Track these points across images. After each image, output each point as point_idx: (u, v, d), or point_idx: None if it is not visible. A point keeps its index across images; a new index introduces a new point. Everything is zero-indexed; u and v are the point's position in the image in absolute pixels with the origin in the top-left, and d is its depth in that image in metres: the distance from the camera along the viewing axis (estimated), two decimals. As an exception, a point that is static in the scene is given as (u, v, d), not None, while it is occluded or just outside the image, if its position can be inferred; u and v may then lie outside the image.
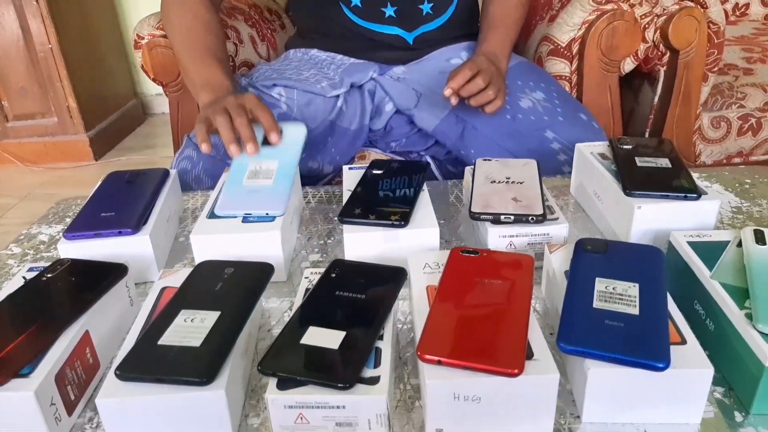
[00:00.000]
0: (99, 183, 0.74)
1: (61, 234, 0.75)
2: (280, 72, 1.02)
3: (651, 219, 0.62)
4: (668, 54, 1.14)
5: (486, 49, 0.95)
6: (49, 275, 0.54)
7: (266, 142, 0.74)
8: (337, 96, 1.00)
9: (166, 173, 0.75)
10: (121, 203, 0.67)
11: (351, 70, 1.03)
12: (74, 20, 2.33)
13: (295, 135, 0.75)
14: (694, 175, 0.66)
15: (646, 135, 1.22)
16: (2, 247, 0.72)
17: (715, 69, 1.19)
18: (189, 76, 0.89)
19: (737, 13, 1.82)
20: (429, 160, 1.05)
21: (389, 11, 1.00)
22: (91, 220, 0.64)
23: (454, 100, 0.86)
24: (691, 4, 1.10)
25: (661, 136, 1.17)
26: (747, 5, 1.80)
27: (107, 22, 2.63)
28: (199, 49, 0.89)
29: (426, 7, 1.04)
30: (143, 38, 1.00)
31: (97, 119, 2.45)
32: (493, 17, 1.03)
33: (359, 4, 1.00)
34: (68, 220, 0.78)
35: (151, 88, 2.83)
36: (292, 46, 1.14)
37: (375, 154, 1.07)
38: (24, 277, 0.55)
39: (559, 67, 1.07)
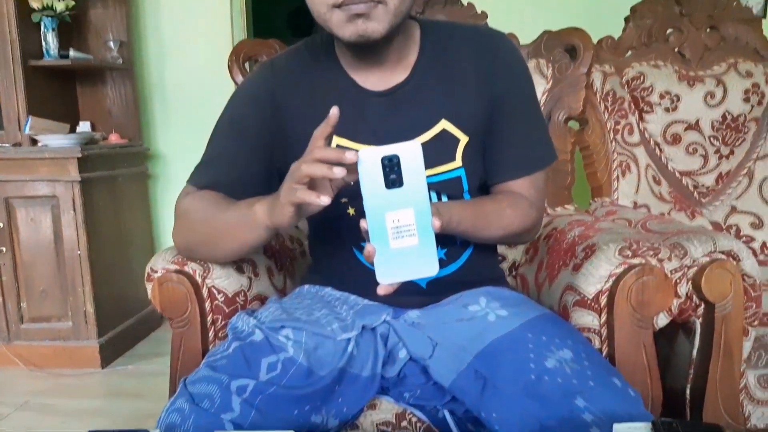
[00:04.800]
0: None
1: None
2: (290, 312, 0.97)
3: None
4: (703, 305, 1.08)
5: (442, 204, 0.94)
6: None
7: (391, 183, 0.72)
8: (348, 339, 0.93)
9: (145, 438, 0.67)
10: (82, 483, 0.58)
11: (363, 312, 0.98)
12: (107, 229, 2.41)
13: (410, 159, 0.71)
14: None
15: (687, 392, 1.11)
16: None
17: (756, 323, 1.11)
18: (233, 222, 0.92)
19: (765, 252, 1.78)
20: (447, 415, 0.94)
21: None
22: None
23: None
24: (723, 256, 1.06)
25: (703, 413, 1.06)
26: (776, 242, 1.76)
27: (140, 231, 2.72)
28: (225, 204, 0.95)
29: (439, 253, 1.01)
30: (156, 272, 0.99)
31: (112, 324, 2.42)
32: (482, 197, 1.03)
33: None
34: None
35: (173, 293, 2.85)
36: (307, 281, 1.12)
37: (387, 403, 0.98)
38: None
39: (587, 319, 1.00)
